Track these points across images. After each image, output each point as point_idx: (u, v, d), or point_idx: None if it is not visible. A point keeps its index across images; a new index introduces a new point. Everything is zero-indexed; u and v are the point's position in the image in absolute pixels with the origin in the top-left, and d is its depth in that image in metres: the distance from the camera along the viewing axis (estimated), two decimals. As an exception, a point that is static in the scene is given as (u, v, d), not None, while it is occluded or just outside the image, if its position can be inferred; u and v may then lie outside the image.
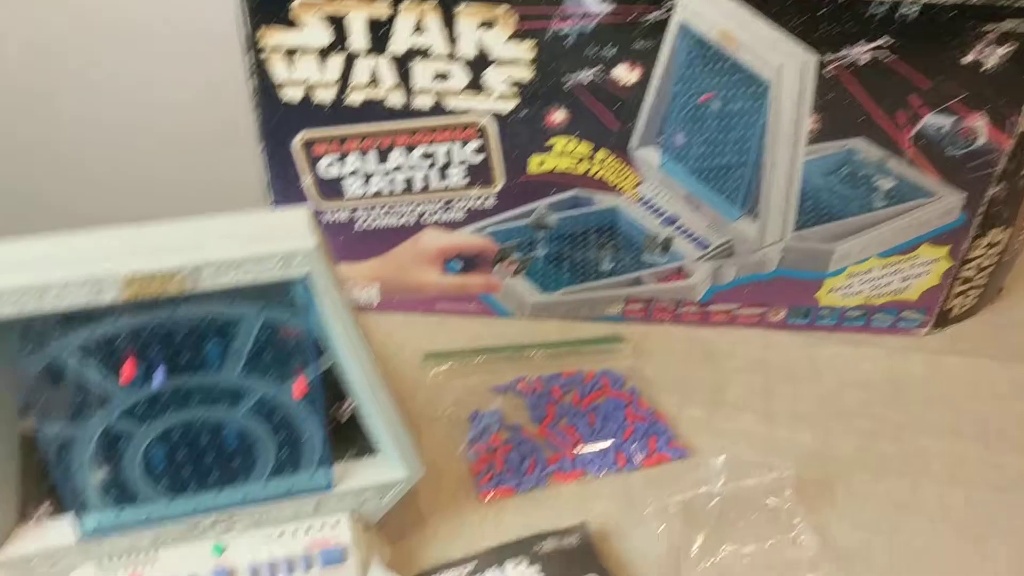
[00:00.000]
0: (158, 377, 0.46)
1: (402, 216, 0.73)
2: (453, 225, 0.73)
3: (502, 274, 0.76)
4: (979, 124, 0.67)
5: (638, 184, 0.71)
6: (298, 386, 0.49)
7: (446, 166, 0.70)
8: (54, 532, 0.51)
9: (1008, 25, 0.63)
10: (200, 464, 0.51)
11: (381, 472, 0.56)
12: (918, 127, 0.67)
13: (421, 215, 0.73)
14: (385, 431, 0.53)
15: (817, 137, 0.67)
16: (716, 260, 0.75)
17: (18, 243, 0.43)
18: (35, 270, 0.41)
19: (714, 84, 0.66)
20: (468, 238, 0.74)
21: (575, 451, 0.67)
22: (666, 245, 0.74)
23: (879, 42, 0.63)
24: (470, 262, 0.76)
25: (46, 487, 0.51)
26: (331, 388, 0.52)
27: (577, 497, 0.64)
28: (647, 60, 0.64)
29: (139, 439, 0.49)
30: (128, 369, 0.45)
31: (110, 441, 0.49)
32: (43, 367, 0.45)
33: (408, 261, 0.75)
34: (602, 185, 0.71)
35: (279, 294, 0.46)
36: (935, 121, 0.67)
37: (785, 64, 0.64)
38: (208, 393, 0.49)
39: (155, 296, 0.43)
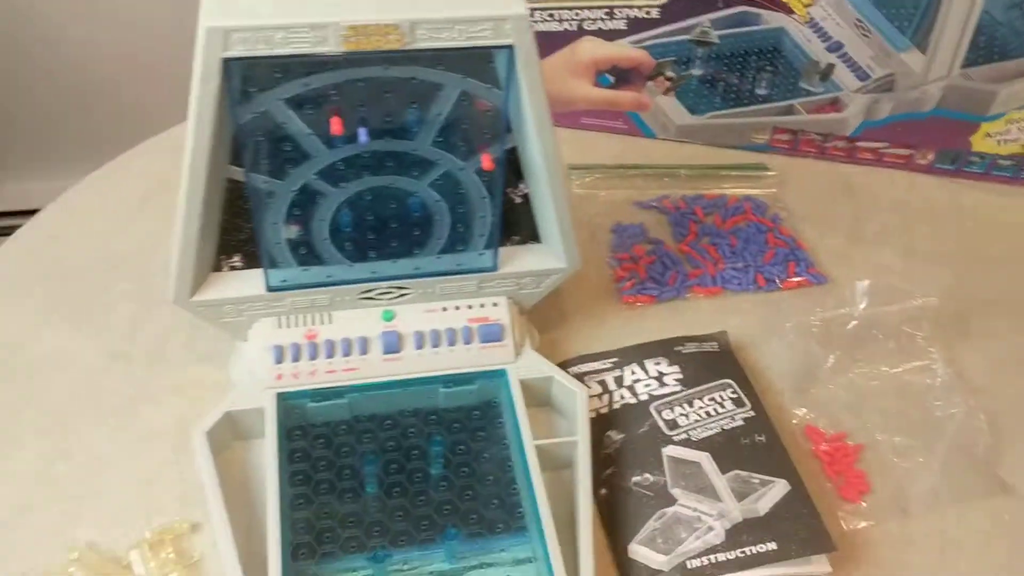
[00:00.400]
0: (362, 136, 0.48)
1: (563, 22, 0.73)
2: (613, 35, 0.73)
3: (654, 91, 0.76)
4: None
5: (810, 4, 0.69)
6: (485, 159, 0.51)
7: (615, -28, 0.69)
8: (244, 283, 0.55)
9: None
10: (382, 232, 0.54)
11: (542, 260, 0.58)
12: (1118, -36, 0.64)
13: (582, 22, 0.73)
14: (553, 220, 0.55)
15: (1008, -34, 0.65)
16: (874, 94, 0.73)
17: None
18: (265, 14, 0.43)
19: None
20: (626, 49, 0.74)
21: (716, 268, 0.68)
22: (826, 73, 0.73)
23: None
24: (623, 76, 0.76)
25: (240, 239, 0.55)
26: (510, 169, 0.54)
27: (716, 310, 0.66)
28: None
29: (332, 199, 0.52)
30: (335, 125, 0.47)
31: (306, 199, 0.51)
32: (256, 115, 0.47)
33: (562, 69, 0.75)
34: (774, 2, 0.70)
35: (482, 65, 0.47)
36: None
37: None
38: (401, 160, 0.51)
39: (373, 49, 0.44)
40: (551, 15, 0.72)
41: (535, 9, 0.72)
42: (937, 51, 0.69)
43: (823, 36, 0.71)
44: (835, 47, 0.71)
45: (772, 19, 0.70)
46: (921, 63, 0.70)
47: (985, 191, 0.78)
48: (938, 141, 0.76)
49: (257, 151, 0.49)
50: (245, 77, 0.45)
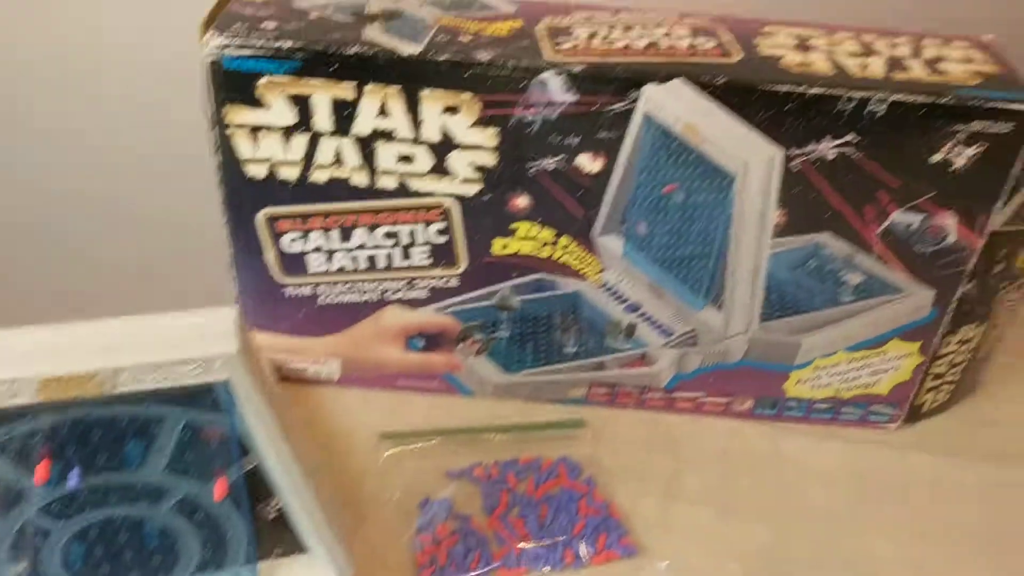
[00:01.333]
0: (72, 479, 0.45)
1: (365, 293, 0.72)
2: (416, 303, 0.73)
3: (465, 354, 0.75)
4: (948, 223, 0.66)
5: (601, 271, 0.70)
6: (219, 487, 0.48)
7: (409, 246, 0.69)
8: (-29, 622, 0.50)
9: (977, 126, 0.62)
10: (119, 561, 0.50)
11: (309, 572, 0.54)
12: (886, 224, 0.66)
13: (384, 293, 0.72)
14: (312, 532, 0.52)
15: (783, 231, 0.67)
16: (680, 348, 0.73)
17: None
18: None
19: (678, 175, 0.65)
20: (431, 317, 0.73)
21: (522, 546, 0.65)
22: (629, 332, 0.73)
23: (846, 138, 0.63)
24: (432, 340, 0.75)
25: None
26: (258, 485, 0.51)
27: (523, 593, 0.63)
28: (611, 150, 0.64)
29: (57, 536, 0.48)
30: (42, 470, 0.44)
31: (28, 537, 0.47)
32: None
33: (370, 338, 0.74)
34: (565, 270, 0.70)
35: (201, 395, 0.45)
36: (903, 218, 0.66)
37: (750, 158, 0.63)
38: (128, 491, 0.48)
39: (72, 398, 0.42)
40: (351, 287, 0.71)
41: (336, 282, 0.71)
42: (733, 310, 0.70)
43: (620, 298, 0.71)
44: (633, 308, 0.72)
45: (567, 284, 0.71)
46: (719, 320, 0.71)
47: (805, 434, 0.78)
48: (753, 389, 0.76)
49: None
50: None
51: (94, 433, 0.45)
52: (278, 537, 0.53)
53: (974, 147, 0.62)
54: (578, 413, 0.77)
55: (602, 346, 0.74)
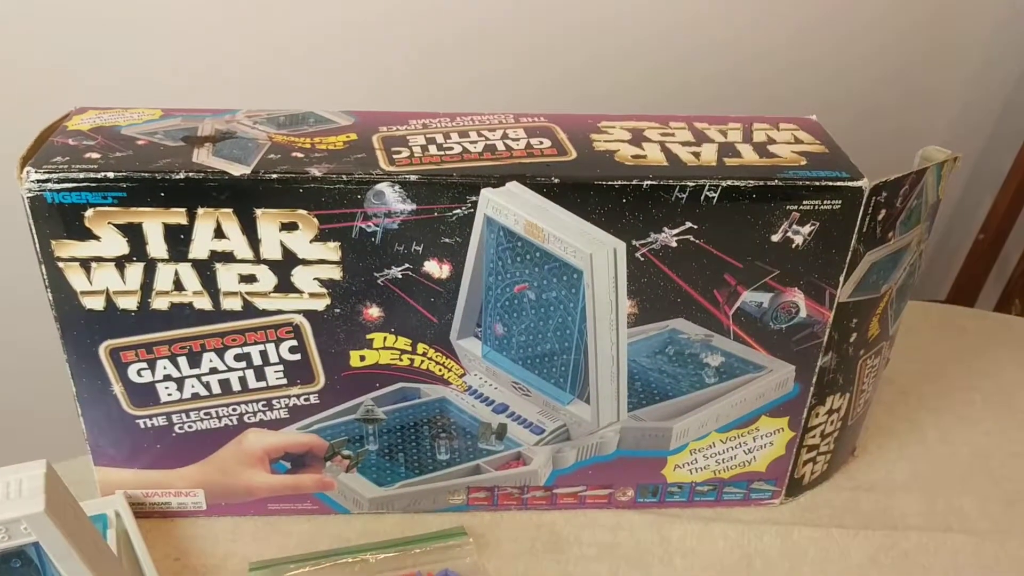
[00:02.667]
0: None
1: (222, 419, 0.69)
2: (277, 424, 0.70)
3: (334, 471, 0.73)
4: (797, 298, 0.68)
5: (463, 375, 0.69)
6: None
7: (262, 366, 0.67)
8: None
9: (808, 205, 0.63)
10: None
11: None
12: (737, 304, 0.67)
13: (242, 416, 0.69)
14: None
15: (637, 320, 0.67)
16: (554, 444, 0.72)
17: None
18: None
19: (527, 274, 0.65)
20: (294, 436, 0.71)
21: (403, 670, 0.62)
22: (500, 433, 0.72)
23: (686, 226, 0.63)
24: (299, 460, 0.72)
25: None
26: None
27: None
28: (457, 254, 0.63)
29: None
30: None
31: None
32: None
33: (232, 464, 0.71)
34: (428, 376, 0.69)
35: (10, 559, 0.42)
36: (754, 298, 0.67)
37: (595, 252, 0.63)
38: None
39: None
40: (207, 413, 0.69)
41: (190, 410, 0.68)
42: (599, 402, 0.70)
43: (486, 401, 0.70)
44: (501, 408, 0.71)
45: (431, 391, 0.69)
46: (589, 413, 0.70)
47: (691, 519, 0.77)
48: (633, 478, 0.75)
49: None
50: None
51: None
52: None
53: (808, 225, 0.64)
54: (460, 520, 0.75)
55: (475, 449, 0.73)
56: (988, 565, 0.73)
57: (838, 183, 0.62)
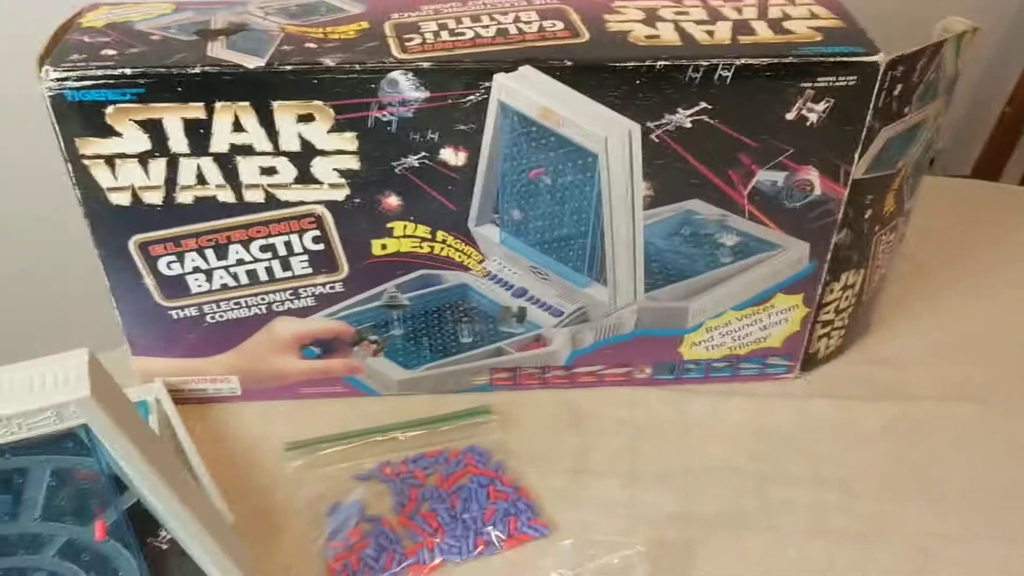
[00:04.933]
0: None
1: (251, 308, 0.72)
2: (304, 312, 0.73)
3: (362, 355, 0.75)
4: (812, 176, 0.68)
5: (482, 260, 0.70)
6: (98, 528, 0.48)
7: (287, 257, 0.69)
8: None
9: (823, 81, 0.63)
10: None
11: (210, 595, 0.54)
12: (752, 184, 0.68)
13: (270, 305, 0.72)
14: (205, 559, 0.52)
15: (653, 202, 0.68)
16: (573, 326, 0.74)
17: None
18: None
19: (542, 159, 0.66)
20: (321, 323, 0.73)
21: (435, 540, 0.66)
22: (520, 316, 0.74)
23: (699, 106, 0.63)
24: (328, 346, 0.75)
25: None
26: (145, 519, 0.51)
27: (435, 587, 0.63)
28: (472, 141, 0.64)
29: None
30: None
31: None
32: None
33: (264, 351, 0.74)
34: (448, 263, 0.71)
35: (63, 441, 0.45)
36: (768, 177, 0.68)
37: (609, 135, 0.64)
38: (5, 542, 0.47)
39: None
40: (236, 303, 0.71)
41: (220, 300, 0.71)
42: (616, 284, 0.71)
43: (505, 285, 0.72)
44: (520, 292, 0.72)
45: (452, 277, 0.71)
46: (606, 294, 0.72)
47: (707, 394, 0.79)
48: (649, 356, 0.78)
49: None
50: None
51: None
52: (175, 566, 0.54)
53: (823, 102, 0.64)
54: (484, 400, 0.78)
55: (497, 332, 0.75)
56: (997, 435, 0.76)
57: (853, 59, 0.62)
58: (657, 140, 0.64)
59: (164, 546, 0.53)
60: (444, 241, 0.69)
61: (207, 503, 0.56)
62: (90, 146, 0.62)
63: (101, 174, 0.64)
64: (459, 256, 0.70)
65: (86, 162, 0.63)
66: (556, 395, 0.79)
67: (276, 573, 0.65)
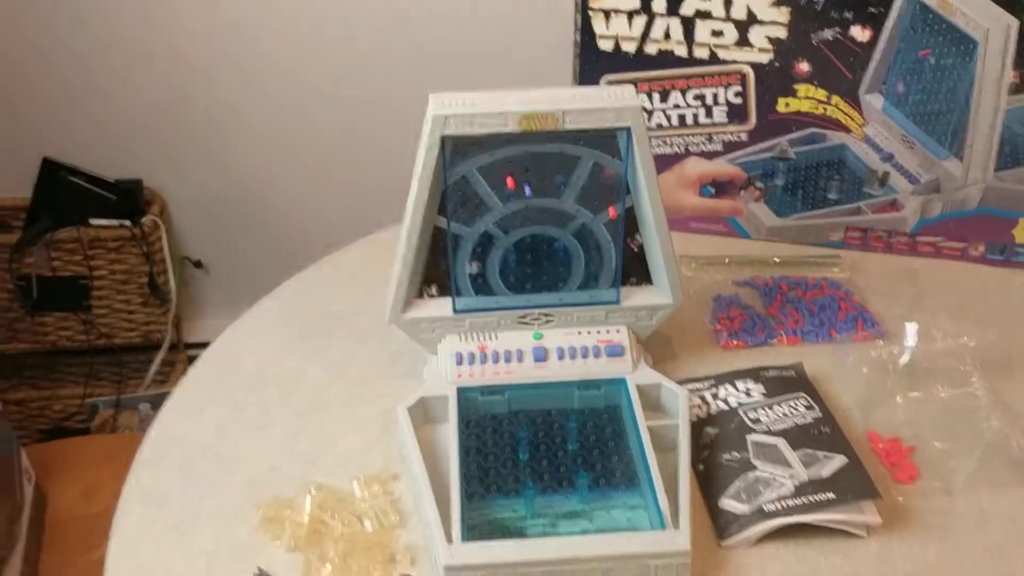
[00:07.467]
0: (527, 191, 0.71)
1: (673, 146, 0.95)
2: (711, 155, 0.95)
3: (746, 199, 0.97)
4: None
5: (863, 125, 0.90)
6: (611, 211, 0.73)
7: (711, 106, 0.92)
8: (438, 306, 0.77)
9: None
10: (535, 270, 0.75)
11: (654, 297, 0.78)
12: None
13: (687, 146, 0.95)
14: (661, 264, 0.75)
15: (1018, 89, 0.84)
16: (925, 195, 0.92)
17: (461, 94, 0.69)
18: (469, 106, 0.67)
19: (932, 42, 0.84)
20: (723, 166, 0.95)
21: (796, 325, 0.86)
22: (884, 179, 0.92)
23: (1074, 12, 0.80)
24: (721, 187, 0.97)
25: (436, 273, 0.77)
26: (631, 223, 0.75)
27: (795, 354, 0.83)
28: (878, 21, 0.84)
29: (502, 243, 0.74)
30: (509, 183, 0.70)
31: (485, 242, 0.74)
32: (458, 179, 0.70)
33: (672, 184, 0.97)
34: (834, 124, 0.91)
35: (608, 143, 0.70)
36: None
37: (992, 27, 0.81)
38: (551, 214, 0.73)
39: (536, 129, 0.67)
40: (664, 141, 0.95)
41: (653, 137, 0.95)
42: (971, 159, 0.88)
43: (876, 149, 0.91)
44: (887, 157, 0.91)
45: (835, 137, 0.91)
46: (960, 169, 0.89)
47: (1032, 277, 0.93)
48: (985, 234, 0.93)
49: (456, 205, 0.72)
50: (454, 150, 0.69)
51: (539, 165, 0.70)
52: (635, 269, 0.77)
53: None
54: (835, 254, 0.97)
55: (859, 192, 0.94)
56: None
57: None
58: (1031, 36, 0.81)
59: (635, 248, 0.77)
60: (836, 105, 0.89)
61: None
62: (599, 0, 0.88)
63: (598, 23, 0.90)
64: (844, 119, 0.90)
65: (590, 12, 0.89)
66: (897, 259, 0.96)
67: (673, 333, 0.86)
